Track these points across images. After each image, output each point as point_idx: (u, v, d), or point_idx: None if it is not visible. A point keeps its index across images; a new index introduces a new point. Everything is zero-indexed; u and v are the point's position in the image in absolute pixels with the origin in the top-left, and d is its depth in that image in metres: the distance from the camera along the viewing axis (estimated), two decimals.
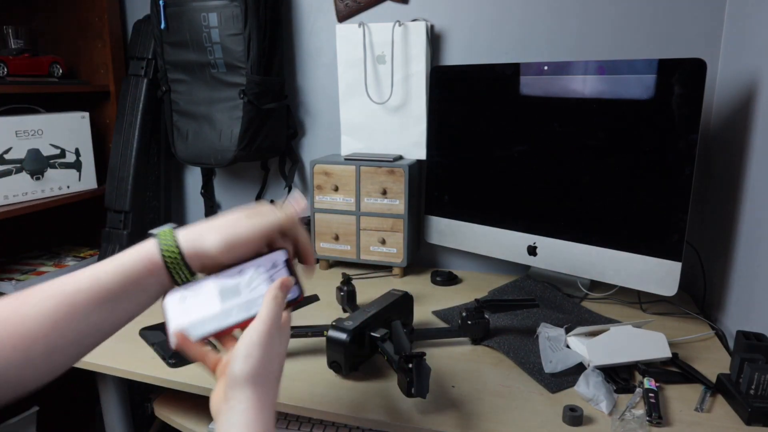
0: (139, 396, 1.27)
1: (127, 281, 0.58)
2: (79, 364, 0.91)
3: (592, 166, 1.08)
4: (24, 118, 1.35)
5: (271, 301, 0.57)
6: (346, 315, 0.88)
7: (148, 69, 1.46)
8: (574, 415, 0.73)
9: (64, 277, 0.57)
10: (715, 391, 0.81)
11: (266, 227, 0.61)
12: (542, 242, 1.16)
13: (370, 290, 1.19)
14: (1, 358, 0.51)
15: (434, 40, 1.32)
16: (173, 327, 0.59)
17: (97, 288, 0.56)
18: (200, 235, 0.60)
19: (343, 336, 0.82)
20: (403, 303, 0.97)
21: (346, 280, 1.08)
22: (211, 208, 1.62)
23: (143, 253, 0.59)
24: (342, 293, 1.08)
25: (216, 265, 0.60)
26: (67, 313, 0.55)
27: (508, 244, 1.21)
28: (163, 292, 0.60)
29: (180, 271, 0.59)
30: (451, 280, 1.29)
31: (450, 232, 1.30)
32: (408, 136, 1.33)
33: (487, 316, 0.97)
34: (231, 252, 0.60)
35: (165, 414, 0.91)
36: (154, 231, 0.62)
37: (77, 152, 1.47)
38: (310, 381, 0.85)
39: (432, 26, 1.30)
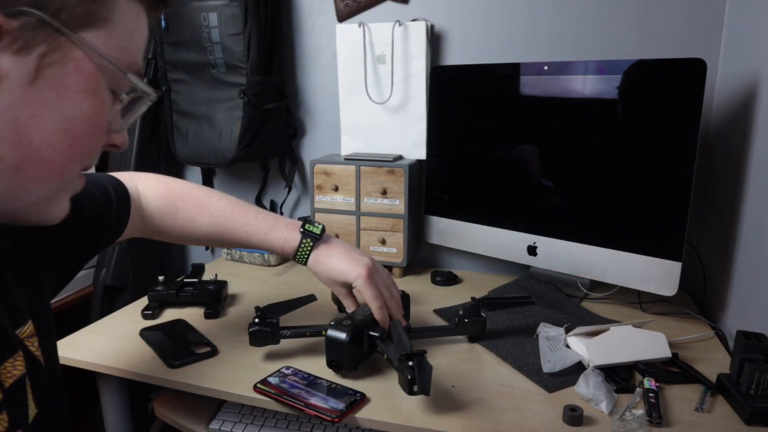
0: (139, 396, 1.27)
1: (260, 244, 0.87)
2: (79, 364, 0.91)
3: (592, 166, 1.08)
4: None
5: None
6: (344, 314, 0.88)
7: (148, 69, 1.46)
8: (574, 415, 0.73)
9: (226, 217, 0.87)
10: (716, 391, 0.81)
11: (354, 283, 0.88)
12: (542, 242, 1.16)
13: None
14: (169, 219, 0.86)
15: (434, 40, 1.32)
16: None
17: (244, 240, 0.87)
18: (324, 264, 0.87)
19: (342, 335, 0.82)
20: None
21: None
22: None
23: (285, 240, 0.87)
24: None
25: None
26: (215, 240, 0.89)
27: (508, 244, 1.21)
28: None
29: (300, 260, 0.88)
30: (451, 280, 1.29)
31: (450, 232, 1.30)
32: (408, 136, 1.33)
33: (483, 314, 0.97)
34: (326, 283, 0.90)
35: (165, 414, 0.91)
36: (308, 225, 0.89)
37: None
38: None
39: (432, 26, 1.30)
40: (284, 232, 0.87)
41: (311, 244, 0.87)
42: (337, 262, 0.87)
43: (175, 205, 0.86)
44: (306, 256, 0.87)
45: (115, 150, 0.50)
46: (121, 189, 0.78)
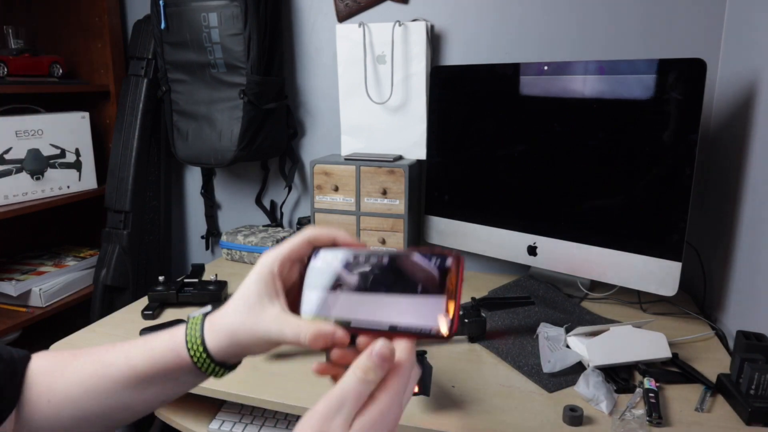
0: None
1: (157, 368, 0.55)
2: None
3: (592, 167, 1.08)
4: (24, 118, 1.35)
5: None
6: None
7: (148, 69, 1.46)
8: (574, 415, 0.73)
9: (103, 347, 0.56)
10: (716, 391, 0.81)
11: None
12: (542, 242, 1.16)
13: None
14: (36, 408, 0.53)
15: (434, 40, 1.32)
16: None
17: (127, 368, 0.55)
18: (230, 329, 0.54)
19: None
20: None
21: None
22: (211, 208, 1.62)
23: (172, 343, 0.56)
24: None
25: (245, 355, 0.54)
26: (98, 384, 0.54)
27: (508, 244, 1.21)
28: (199, 380, 0.56)
29: (207, 366, 0.55)
30: None
31: (450, 232, 1.30)
32: (408, 136, 1.33)
33: (483, 314, 0.97)
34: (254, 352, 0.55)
35: (165, 414, 0.91)
36: (191, 315, 0.63)
37: (77, 152, 1.47)
38: (311, 381, 0.84)
39: (432, 26, 1.30)
40: (166, 332, 0.57)
41: (203, 315, 0.58)
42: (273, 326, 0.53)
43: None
44: (199, 336, 0.54)
45: None
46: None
